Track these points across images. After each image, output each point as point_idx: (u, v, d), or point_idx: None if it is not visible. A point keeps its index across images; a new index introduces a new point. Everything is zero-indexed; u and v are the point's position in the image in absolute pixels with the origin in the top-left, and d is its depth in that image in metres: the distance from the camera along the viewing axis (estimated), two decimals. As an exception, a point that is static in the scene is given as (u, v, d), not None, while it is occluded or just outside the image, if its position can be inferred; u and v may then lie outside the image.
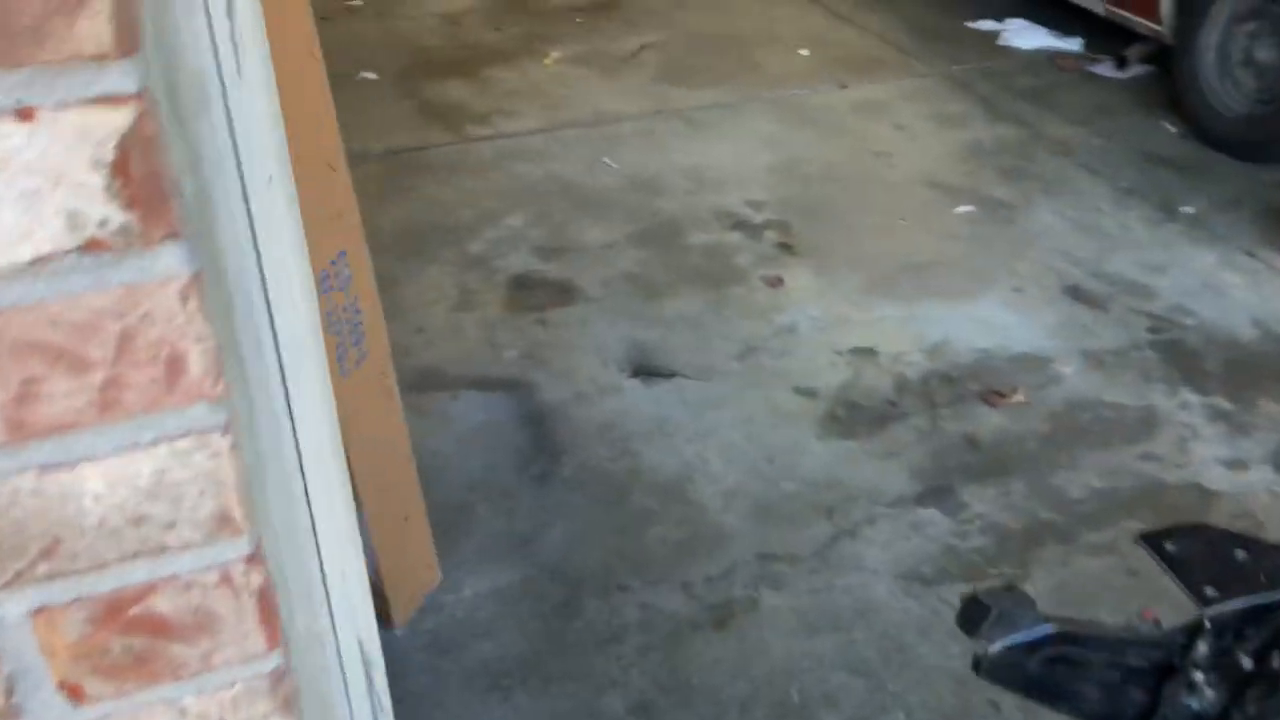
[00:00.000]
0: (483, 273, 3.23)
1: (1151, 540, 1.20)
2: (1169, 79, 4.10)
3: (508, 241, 3.39)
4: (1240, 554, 1.14)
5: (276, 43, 1.49)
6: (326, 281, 1.62)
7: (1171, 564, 1.15)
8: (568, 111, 4.32)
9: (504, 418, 2.62)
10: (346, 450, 1.85)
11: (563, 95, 4.47)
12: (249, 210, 0.65)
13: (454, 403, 2.67)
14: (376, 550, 1.92)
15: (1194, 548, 1.18)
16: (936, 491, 2.37)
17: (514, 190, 3.71)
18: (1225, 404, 2.62)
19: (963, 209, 3.50)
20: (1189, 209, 3.47)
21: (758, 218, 3.50)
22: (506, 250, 3.35)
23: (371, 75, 4.69)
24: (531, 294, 3.12)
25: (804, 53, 4.81)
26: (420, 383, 2.75)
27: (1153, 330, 2.90)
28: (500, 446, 2.52)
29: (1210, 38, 3.86)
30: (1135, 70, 4.48)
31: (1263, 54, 3.74)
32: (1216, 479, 2.40)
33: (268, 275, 0.67)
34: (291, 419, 0.71)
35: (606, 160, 3.89)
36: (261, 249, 0.66)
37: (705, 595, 2.13)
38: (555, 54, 4.89)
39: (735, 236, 3.40)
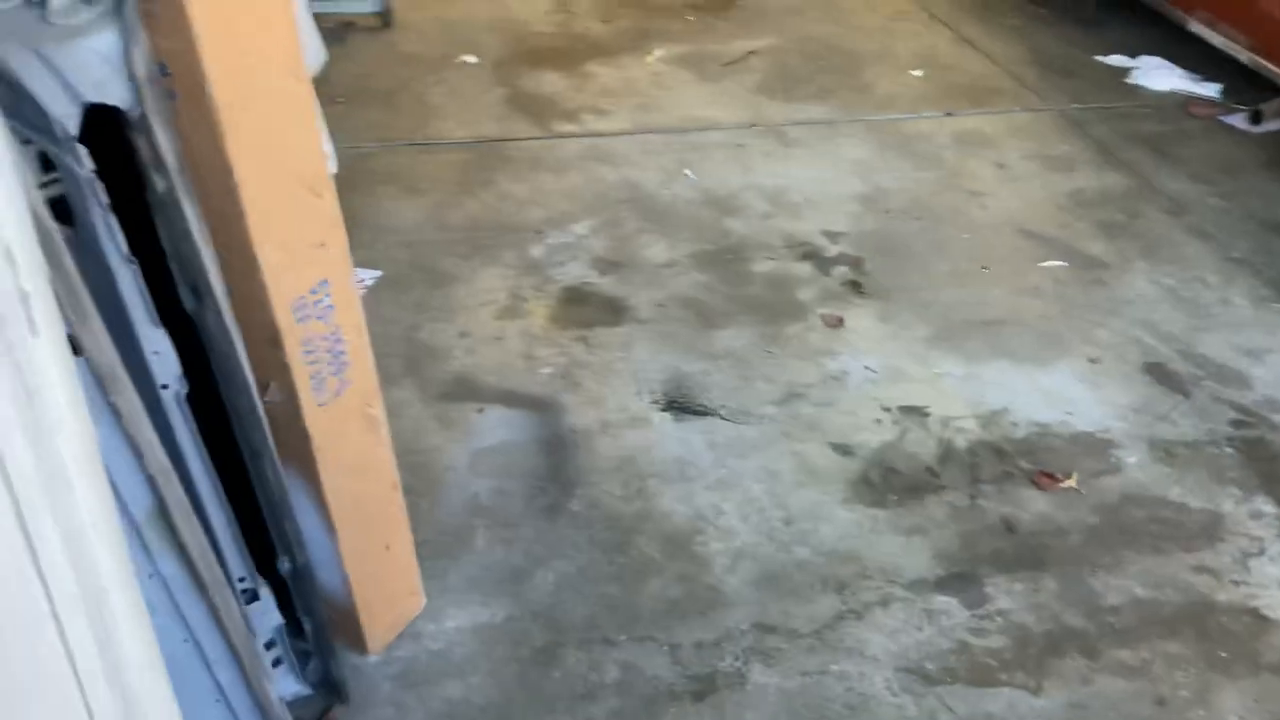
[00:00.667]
0: (538, 280, 3.17)
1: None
2: (1308, 140, 3.78)
3: (570, 249, 3.32)
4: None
5: (259, 65, 1.42)
6: (303, 310, 1.57)
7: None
8: (659, 115, 4.22)
9: (525, 439, 2.55)
10: (322, 479, 1.80)
11: (657, 97, 4.37)
12: None
13: (479, 416, 2.61)
14: (350, 578, 1.88)
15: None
16: (960, 579, 2.22)
17: (588, 194, 3.63)
18: (1302, 519, 2.39)
19: (1051, 263, 3.28)
20: (1305, 289, 3.19)
21: (831, 249, 3.34)
22: (566, 258, 3.27)
23: (472, 59, 4.66)
24: (581, 308, 3.04)
25: (916, 74, 4.60)
26: (451, 391, 2.70)
27: (1236, 424, 2.66)
28: (514, 470, 2.45)
29: (1357, 102, 3.54)
30: (1273, 126, 4.14)
31: None
32: (1276, 605, 2.18)
33: None
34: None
35: (687, 172, 3.78)
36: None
37: (691, 662, 2.03)
38: (659, 52, 4.79)
39: (803, 268, 3.25)
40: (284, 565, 1.71)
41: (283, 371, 1.59)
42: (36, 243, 0.61)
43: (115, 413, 1.09)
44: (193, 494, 1.43)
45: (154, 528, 1.21)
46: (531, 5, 5.31)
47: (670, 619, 2.11)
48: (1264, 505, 2.42)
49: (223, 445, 1.54)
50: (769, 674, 2.02)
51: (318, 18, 4.76)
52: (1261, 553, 2.30)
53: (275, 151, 1.45)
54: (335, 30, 4.84)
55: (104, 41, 1.11)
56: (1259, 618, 2.15)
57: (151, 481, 1.17)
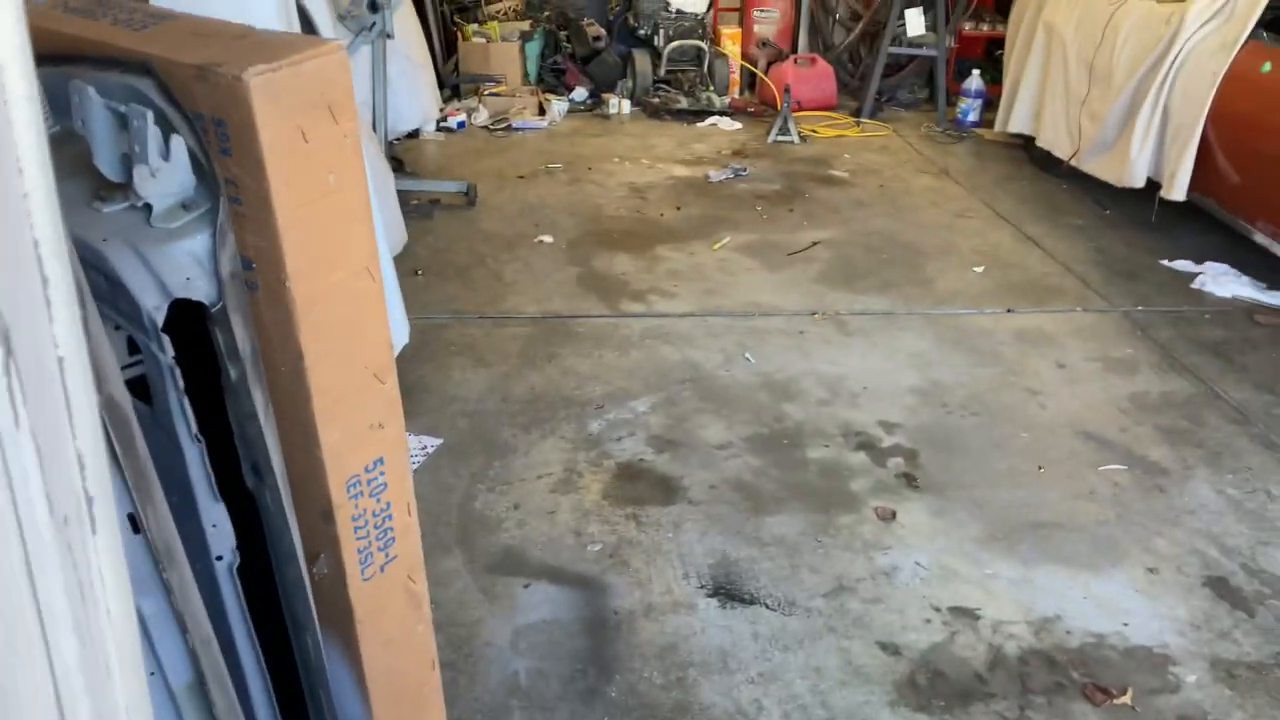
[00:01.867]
0: (595, 455, 3.23)
1: None
2: (1377, 354, 3.74)
3: (627, 425, 3.39)
4: None
5: (336, 261, 1.54)
6: (357, 487, 1.63)
7: None
8: (724, 299, 4.34)
9: (568, 618, 2.56)
10: (362, 652, 1.83)
11: (723, 282, 4.51)
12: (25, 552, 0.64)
13: (524, 592, 2.63)
14: (381, 754, 1.88)
15: None
16: (1005, 796, 2.14)
17: (649, 373, 3.73)
18: (1375, 756, 2.27)
19: (1110, 467, 3.25)
20: (1376, 507, 3.10)
21: (886, 441, 3.36)
22: (623, 434, 3.34)
23: (548, 238, 4.88)
24: (634, 485, 3.09)
25: (978, 270, 4.69)
26: (499, 564, 2.74)
27: (1303, 647, 2.56)
28: (555, 650, 2.45)
29: None
30: (1342, 337, 4.12)
31: None
32: None
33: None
34: None
35: (747, 355, 3.87)
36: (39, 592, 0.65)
37: None
38: (727, 239, 4.97)
39: (858, 458, 3.27)
40: (317, 737, 1.72)
41: (332, 545, 1.65)
42: (104, 449, 0.68)
43: (167, 588, 1.15)
44: (234, 663, 1.47)
45: (191, 699, 1.26)
46: (608, 191, 5.58)
47: (701, 819, 2.06)
48: (1333, 738, 2.31)
49: (268, 615, 1.59)
50: None
51: (406, 195, 5.07)
52: (1330, 790, 2.18)
53: (345, 341, 1.54)
54: (421, 207, 5.13)
55: (197, 244, 1.23)
56: None
57: (193, 654, 1.22)
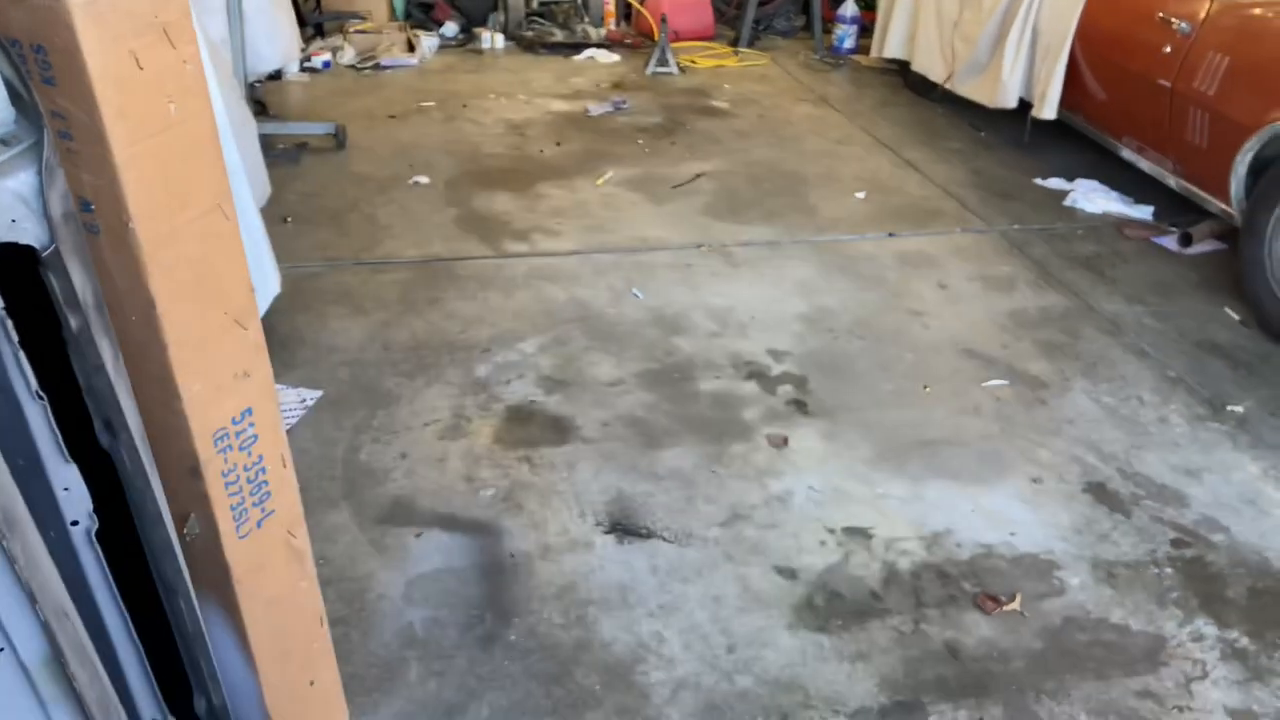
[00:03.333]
0: (483, 399, 3.16)
1: None
2: (1237, 261, 3.90)
3: (515, 367, 3.32)
4: None
5: (185, 200, 1.43)
6: (225, 440, 1.54)
7: None
8: (609, 235, 4.28)
9: (463, 565, 2.50)
10: (242, 612, 1.75)
11: (608, 218, 4.44)
12: None
13: (416, 542, 2.56)
14: (272, 716, 1.81)
15: None
16: (903, 707, 2.17)
17: (536, 313, 3.65)
18: (1244, 641, 2.38)
19: (993, 383, 3.33)
20: (1238, 408, 3.25)
21: (776, 369, 3.37)
22: (512, 377, 3.27)
23: (424, 179, 4.73)
24: (525, 428, 3.03)
25: (860, 196, 4.73)
26: (388, 515, 2.66)
27: (1176, 544, 2.67)
28: (451, 598, 2.40)
29: (1280, 225, 3.67)
30: (1203, 248, 4.28)
31: (1334, 250, 3.53)
32: (1221, 732, 2.16)
33: None
34: None
35: (635, 291, 3.82)
36: None
37: (628, 800, 1.96)
38: (609, 174, 4.89)
39: (749, 387, 3.27)
40: (200, 704, 1.64)
41: (202, 503, 1.55)
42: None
43: (10, 559, 1.05)
44: (102, 634, 1.38)
45: (47, 674, 1.16)
46: (484, 129, 5.43)
47: (608, 754, 2.05)
48: (1205, 627, 2.42)
49: (137, 581, 1.49)
50: (709, 812, 1.95)
51: (271, 139, 4.84)
52: (1204, 676, 2.29)
53: (200, 285, 1.44)
54: (288, 151, 4.91)
55: (20, 183, 1.11)
56: (1205, 745, 2.13)
57: (46, 627, 1.13)
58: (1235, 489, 2.89)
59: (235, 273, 1.50)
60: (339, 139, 5.01)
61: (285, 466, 1.68)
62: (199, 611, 1.55)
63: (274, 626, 1.75)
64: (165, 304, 1.38)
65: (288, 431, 2.90)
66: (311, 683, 1.90)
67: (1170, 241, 4.34)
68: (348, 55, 6.48)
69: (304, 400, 3.07)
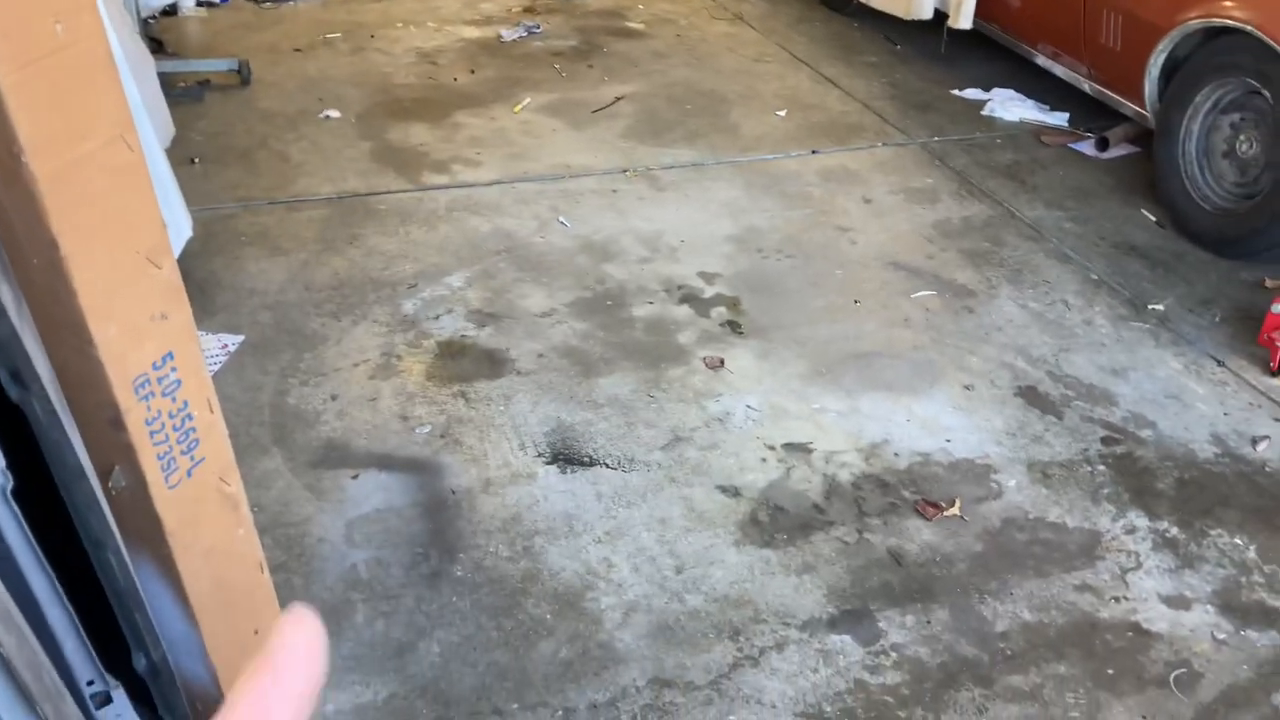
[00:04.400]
0: (413, 335, 3.08)
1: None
2: (1152, 164, 3.96)
3: (444, 302, 3.25)
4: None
5: (83, 132, 1.33)
6: (146, 387, 1.46)
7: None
8: (531, 163, 4.19)
9: (404, 504, 2.46)
10: (178, 564, 1.68)
11: (528, 145, 4.34)
12: None
13: (353, 483, 2.51)
14: (216, 668, 1.76)
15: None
16: (853, 615, 2.20)
17: (461, 245, 3.57)
18: (1174, 530, 2.46)
19: (921, 293, 3.35)
20: (1158, 306, 3.32)
21: (708, 291, 3.35)
22: (441, 312, 3.20)
23: (335, 113, 4.56)
24: (459, 362, 2.97)
25: (781, 114, 4.68)
26: (322, 458, 2.59)
27: (1106, 442, 2.73)
28: (393, 538, 2.36)
29: (1193, 126, 3.72)
30: (1119, 151, 4.34)
31: (1245, 147, 3.60)
32: (1156, 618, 2.22)
33: None
34: None
35: (561, 219, 3.75)
36: None
37: (586, 725, 1.96)
38: (527, 100, 4.77)
39: (682, 311, 3.25)
40: (140, 662, 1.58)
41: (127, 454, 1.48)
42: None
43: (-81, 520, 0.99)
44: (27, 596, 1.31)
45: (-27, 641, 1.10)
46: (395, 59, 5.25)
47: (563, 682, 2.04)
48: (1137, 520, 2.49)
49: (65, 539, 1.42)
50: (667, 731, 1.96)
51: (171, 78, 4.62)
52: (1138, 567, 2.36)
53: (106, 223, 1.35)
54: (190, 90, 4.69)
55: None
56: (1141, 632, 2.19)
57: (-35, 591, 1.06)
58: (1160, 385, 2.96)
59: (144, 208, 1.41)
60: (243, 75, 4.80)
61: (213, 411, 1.60)
62: (131, 567, 1.49)
63: (212, 577, 1.69)
64: (70, 245, 1.29)
65: (211, 379, 2.80)
66: (256, 631, 1.85)
67: (1087, 146, 4.38)
68: (244, -13, 6.19)
69: (226, 346, 2.97)
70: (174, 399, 1.53)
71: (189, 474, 1.60)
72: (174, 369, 1.52)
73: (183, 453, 1.57)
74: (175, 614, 1.68)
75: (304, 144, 4.27)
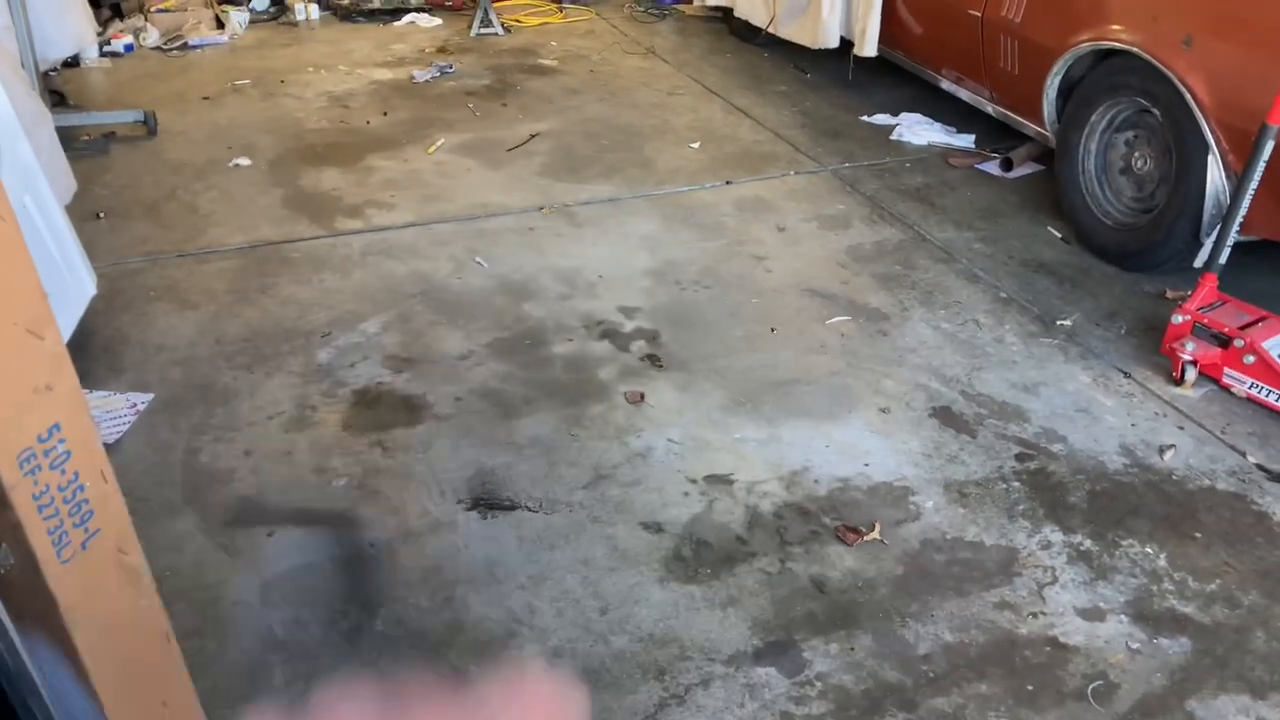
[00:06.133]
0: (327, 385, 3.04)
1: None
2: (1055, 182, 4.07)
3: (359, 349, 3.21)
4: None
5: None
6: (32, 461, 1.42)
7: None
8: (446, 204, 4.17)
9: (321, 559, 2.41)
10: (76, 643, 1.63)
11: (443, 186, 4.33)
12: None
13: (269, 541, 2.46)
14: (123, 744, 1.70)
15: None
16: (777, 647, 2.21)
17: (376, 291, 3.54)
18: (1087, 543, 2.51)
19: (836, 319, 3.39)
20: (1066, 321, 3.40)
21: (628, 325, 3.36)
22: (356, 359, 3.16)
23: (245, 161, 4.51)
24: (375, 411, 2.93)
25: (694, 146, 4.73)
26: (236, 517, 2.54)
27: (1020, 458, 2.79)
28: (311, 595, 2.31)
29: (1090, 144, 3.84)
30: (1024, 171, 4.45)
31: (1140, 163, 3.71)
32: (1072, 631, 2.26)
33: None
34: None
35: (478, 260, 3.74)
36: None
37: (512, 776, 1.93)
38: (441, 140, 4.77)
39: (602, 346, 3.25)
40: (39, 746, 1.53)
41: (13, 531, 1.43)
42: None
43: None
44: (-90, 687, 1.26)
45: None
46: (306, 103, 5.21)
47: (488, 733, 2.01)
48: (1052, 534, 2.53)
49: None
50: (595, 777, 1.94)
51: (74, 131, 4.53)
52: (1054, 581, 2.40)
53: (-19, 296, 1.31)
54: (94, 142, 4.61)
55: None
56: (1058, 646, 2.23)
57: None
58: (1070, 399, 3.03)
59: (22, 279, 1.38)
60: (149, 125, 4.72)
61: (106, 481, 1.56)
62: (20, 649, 1.44)
63: (114, 652, 1.64)
64: (-61, 324, 1.26)
65: (118, 440, 2.74)
66: (164, 704, 1.80)
67: (993, 167, 4.49)
68: (152, 37, 6.11)
69: (134, 405, 2.90)
70: (63, 471, 1.49)
71: (84, 546, 1.55)
72: (62, 440, 1.48)
73: (75, 525, 1.52)
74: (75, 693, 1.62)
75: (214, 194, 4.21)
